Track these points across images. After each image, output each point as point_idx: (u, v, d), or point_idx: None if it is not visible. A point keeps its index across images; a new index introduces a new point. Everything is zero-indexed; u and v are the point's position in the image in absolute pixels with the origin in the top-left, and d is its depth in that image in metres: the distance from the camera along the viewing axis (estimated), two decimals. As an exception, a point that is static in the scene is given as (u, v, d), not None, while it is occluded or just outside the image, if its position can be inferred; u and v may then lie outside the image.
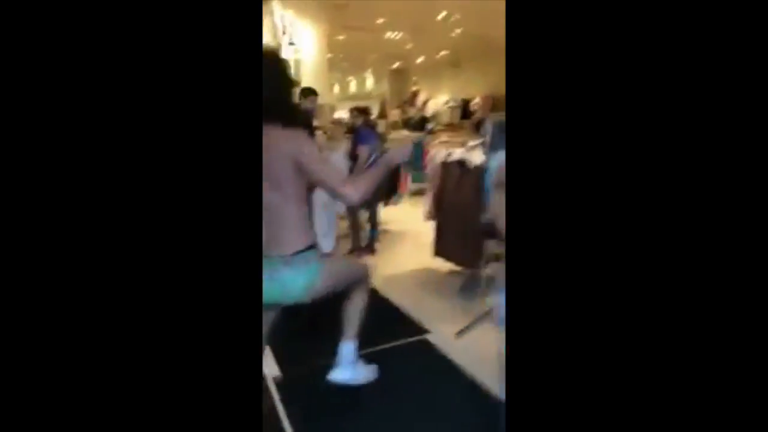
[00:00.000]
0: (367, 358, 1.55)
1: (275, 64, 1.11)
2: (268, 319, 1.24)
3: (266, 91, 1.04)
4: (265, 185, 1.04)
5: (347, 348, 1.42)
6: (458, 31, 6.94)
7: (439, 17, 6.00)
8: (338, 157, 3.79)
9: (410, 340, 1.94)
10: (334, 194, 1.07)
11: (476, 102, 8.16)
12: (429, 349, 1.88)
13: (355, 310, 1.39)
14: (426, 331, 2.01)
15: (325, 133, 4.38)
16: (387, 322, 2.07)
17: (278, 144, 1.04)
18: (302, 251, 1.10)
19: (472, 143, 2.35)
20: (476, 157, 2.26)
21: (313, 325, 1.94)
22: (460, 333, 1.97)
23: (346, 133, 4.82)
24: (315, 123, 3.50)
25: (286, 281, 1.10)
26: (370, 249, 3.24)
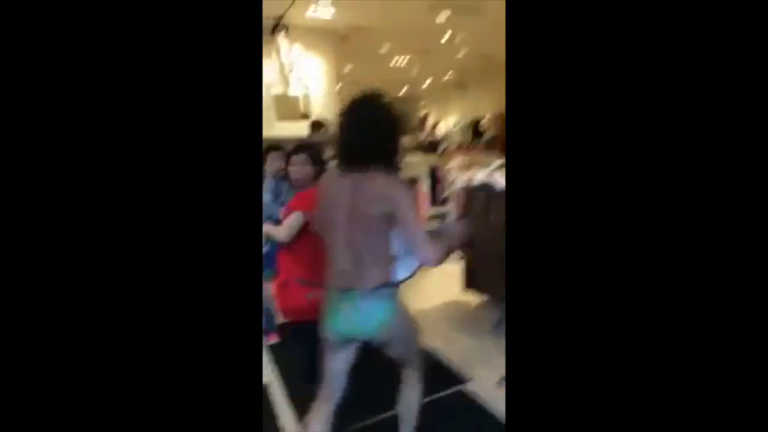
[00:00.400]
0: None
1: (389, 110, 1.12)
2: (345, 355, 1.20)
3: (375, 135, 1.08)
4: (353, 221, 1.07)
5: None
6: (463, 52, 6.93)
7: (443, 40, 5.99)
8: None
9: (447, 392, 1.72)
10: (415, 250, 1.07)
11: (486, 121, 8.07)
12: (470, 402, 1.66)
13: (410, 407, 1.26)
14: (465, 380, 1.79)
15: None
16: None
17: (377, 189, 1.06)
18: (381, 286, 1.10)
19: (497, 163, 2.18)
20: (503, 179, 2.09)
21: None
22: (504, 381, 1.74)
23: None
24: (327, 155, 3.42)
25: (364, 314, 1.10)
26: (392, 283, 3.05)
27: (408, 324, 1.20)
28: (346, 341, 1.17)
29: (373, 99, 1.12)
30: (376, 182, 1.06)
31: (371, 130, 1.07)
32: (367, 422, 1.55)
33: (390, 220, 1.05)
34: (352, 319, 1.10)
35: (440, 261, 1.08)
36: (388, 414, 1.35)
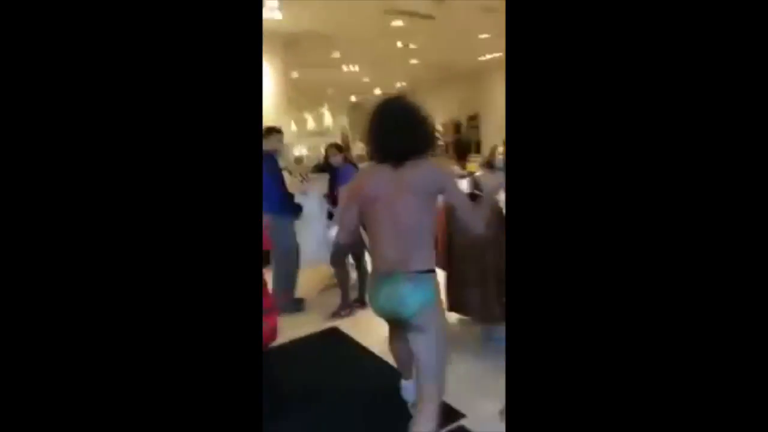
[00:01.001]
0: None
1: (421, 112, 1.26)
2: (400, 330, 1.36)
3: (411, 130, 1.21)
4: (399, 207, 1.17)
5: None
6: (415, 60, 6.92)
7: (395, 48, 5.91)
8: (312, 199, 3.39)
9: (447, 429, 1.50)
10: (465, 221, 1.23)
11: (439, 130, 8.16)
12: (473, 441, 1.46)
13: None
14: (460, 415, 1.58)
15: (290, 173, 3.96)
16: (404, 408, 1.60)
17: (423, 173, 1.18)
18: (425, 272, 1.19)
19: (479, 173, 2.04)
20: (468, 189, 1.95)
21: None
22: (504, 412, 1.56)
23: (312, 172, 4.44)
24: (281, 164, 3.11)
25: (405, 295, 1.17)
26: (361, 301, 2.78)
27: (442, 316, 1.27)
28: (392, 319, 1.28)
29: (400, 100, 1.28)
30: (420, 167, 1.18)
31: (406, 126, 1.20)
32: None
33: (434, 202, 1.18)
34: (393, 299, 1.18)
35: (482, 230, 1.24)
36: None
